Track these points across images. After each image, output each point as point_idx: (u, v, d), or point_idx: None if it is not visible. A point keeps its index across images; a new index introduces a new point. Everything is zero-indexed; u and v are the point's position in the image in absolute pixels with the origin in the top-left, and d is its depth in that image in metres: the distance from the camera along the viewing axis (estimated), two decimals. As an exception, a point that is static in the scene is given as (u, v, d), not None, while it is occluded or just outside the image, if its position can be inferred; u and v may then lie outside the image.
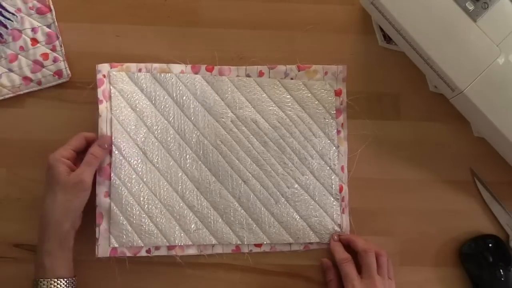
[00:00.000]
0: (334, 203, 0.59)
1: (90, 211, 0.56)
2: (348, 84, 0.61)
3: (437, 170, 0.61)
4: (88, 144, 0.55)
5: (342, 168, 0.60)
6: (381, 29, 0.60)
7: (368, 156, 0.60)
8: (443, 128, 0.61)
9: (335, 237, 0.58)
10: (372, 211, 0.60)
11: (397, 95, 0.61)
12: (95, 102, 0.58)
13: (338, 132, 0.60)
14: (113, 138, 0.56)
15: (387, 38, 0.60)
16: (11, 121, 0.58)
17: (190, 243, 0.57)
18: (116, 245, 0.56)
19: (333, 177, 0.59)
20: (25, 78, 0.57)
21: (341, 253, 0.57)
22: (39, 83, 0.57)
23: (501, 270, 0.58)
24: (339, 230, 0.59)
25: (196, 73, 0.59)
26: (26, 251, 0.57)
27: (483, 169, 0.61)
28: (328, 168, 0.59)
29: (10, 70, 0.57)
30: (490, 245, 0.59)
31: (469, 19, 0.52)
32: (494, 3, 0.52)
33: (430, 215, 0.61)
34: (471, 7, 0.52)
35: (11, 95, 0.57)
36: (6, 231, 0.57)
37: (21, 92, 0.57)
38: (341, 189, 0.60)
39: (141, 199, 0.56)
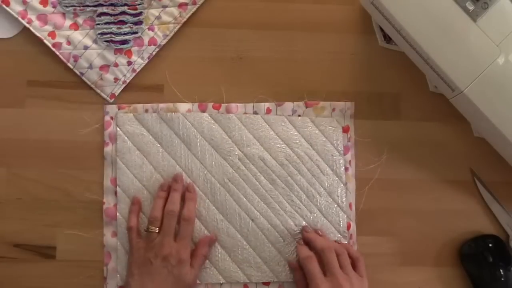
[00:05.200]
0: (341, 240, 0.59)
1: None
2: (348, 84, 0.61)
3: (437, 170, 0.61)
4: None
5: (350, 205, 0.59)
6: (381, 29, 0.60)
7: (368, 156, 0.61)
8: (443, 128, 0.61)
9: (300, 240, 0.58)
10: (372, 211, 0.60)
11: (397, 95, 0.61)
12: (95, 102, 0.58)
13: (346, 169, 0.60)
14: (117, 179, 0.57)
15: (387, 38, 0.60)
16: (11, 121, 0.58)
17: (198, 281, 0.56)
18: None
19: (340, 215, 0.59)
20: (180, 5, 0.58)
21: (303, 252, 0.55)
22: (194, 2, 0.58)
23: (501, 270, 0.58)
24: None
25: (203, 111, 0.59)
26: (26, 251, 0.57)
27: (483, 169, 0.61)
28: (335, 205, 0.59)
29: (164, 7, 0.58)
30: (490, 245, 0.59)
31: (469, 19, 0.52)
32: (494, 3, 0.52)
33: (430, 215, 0.61)
34: (471, 7, 0.52)
35: (179, 26, 0.58)
36: (6, 231, 0.57)
37: (185, 19, 0.59)
38: (348, 227, 0.59)
39: None
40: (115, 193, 0.57)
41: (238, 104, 0.59)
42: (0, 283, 0.56)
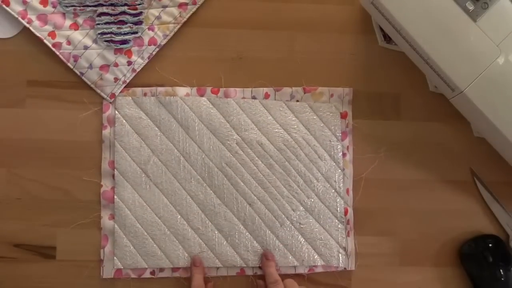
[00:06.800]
0: (339, 226, 0.59)
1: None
2: (348, 84, 0.61)
3: (437, 170, 0.61)
4: None
5: (347, 191, 0.60)
6: (381, 29, 0.60)
7: (368, 156, 0.61)
8: (443, 128, 0.61)
9: (268, 257, 0.57)
10: (372, 211, 0.60)
11: (397, 95, 0.61)
12: (95, 102, 0.58)
13: (344, 154, 0.60)
14: (115, 162, 0.57)
15: (387, 38, 0.60)
16: (11, 121, 0.58)
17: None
18: (121, 267, 0.56)
19: (338, 200, 0.59)
20: (180, 5, 0.58)
21: (272, 276, 0.55)
22: (194, 2, 0.58)
23: (501, 270, 0.58)
24: (344, 253, 0.59)
25: (201, 95, 0.59)
26: (26, 251, 0.57)
27: (483, 169, 0.61)
28: (333, 191, 0.59)
29: (164, 7, 0.58)
30: (490, 245, 0.59)
31: (469, 19, 0.52)
32: (494, 3, 0.52)
33: (430, 215, 0.61)
34: (471, 7, 0.52)
35: (179, 26, 0.58)
36: (6, 231, 0.57)
37: (185, 19, 0.59)
38: (346, 212, 0.59)
39: (145, 221, 0.57)
40: (113, 176, 0.57)
41: (236, 89, 0.59)
42: (0, 283, 0.56)
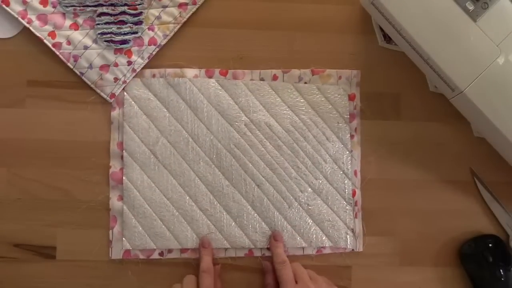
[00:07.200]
0: (347, 207, 0.59)
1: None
2: (348, 84, 0.61)
3: (437, 170, 0.61)
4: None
5: (355, 172, 0.60)
6: (381, 29, 0.60)
7: (368, 156, 0.61)
8: (443, 128, 0.61)
9: (277, 238, 0.58)
10: (372, 211, 0.60)
11: (397, 95, 0.61)
12: (95, 102, 0.58)
13: (352, 136, 0.60)
14: (124, 143, 0.57)
15: (387, 38, 0.60)
16: (11, 121, 0.58)
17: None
18: (129, 247, 0.56)
19: (346, 182, 0.59)
20: (180, 5, 0.58)
21: (280, 256, 0.56)
22: (194, 2, 0.58)
23: (501, 270, 0.58)
24: (351, 234, 0.59)
25: (210, 77, 0.59)
26: (26, 251, 0.57)
27: (483, 169, 0.61)
28: (341, 172, 0.59)
29: (164, 7, 0.58)
30: (490, 245, 0.59)
31: (469, 19, 0.52)
32: (494, 3, 0.52)
33: (430, 215, 0.61)
34: (471, 7, 0.52)
35: (179, 26, 0.58)
36: (6, 231, 0.57)
37: (185, 19, 0.59)
38: (353, 194, 0.60)
39: (153, 202, 0.57)
40: (121, 157, 0.57)
41: (244, 71, 0.60)
42: (0, 283, 0.56)
